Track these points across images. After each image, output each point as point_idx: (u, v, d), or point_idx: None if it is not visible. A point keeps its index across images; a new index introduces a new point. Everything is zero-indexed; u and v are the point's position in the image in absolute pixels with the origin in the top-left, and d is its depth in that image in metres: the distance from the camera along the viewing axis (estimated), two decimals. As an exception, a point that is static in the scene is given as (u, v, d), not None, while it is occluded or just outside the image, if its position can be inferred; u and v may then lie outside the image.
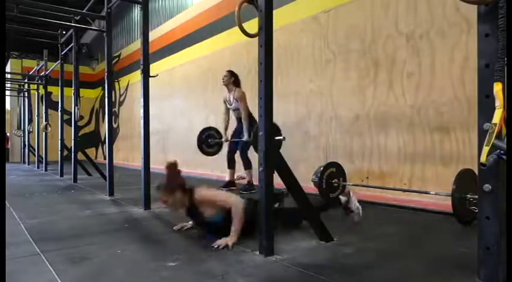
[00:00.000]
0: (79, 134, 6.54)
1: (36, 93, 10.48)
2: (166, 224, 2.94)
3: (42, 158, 9.01)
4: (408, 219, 3.03)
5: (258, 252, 2.06)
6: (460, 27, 3.43)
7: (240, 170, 4.99)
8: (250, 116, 4.62)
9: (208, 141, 5.03)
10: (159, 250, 2.19)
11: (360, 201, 2.86)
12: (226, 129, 4.91)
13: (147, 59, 3.57)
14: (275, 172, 2.12)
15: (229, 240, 2.20)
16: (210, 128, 5.18)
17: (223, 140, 4.96)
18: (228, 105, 4.88)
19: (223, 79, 4.84)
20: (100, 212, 3.43)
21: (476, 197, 1.62)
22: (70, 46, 6.50)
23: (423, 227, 2.79)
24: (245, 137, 4.56)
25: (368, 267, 1.87)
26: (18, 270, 1.81)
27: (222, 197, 2.41)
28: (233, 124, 5.00)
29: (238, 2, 2.14)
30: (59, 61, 7.22)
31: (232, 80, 4.79)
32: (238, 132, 4.80)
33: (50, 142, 8.91)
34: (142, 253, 2.15)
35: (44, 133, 8.54)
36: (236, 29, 2.19)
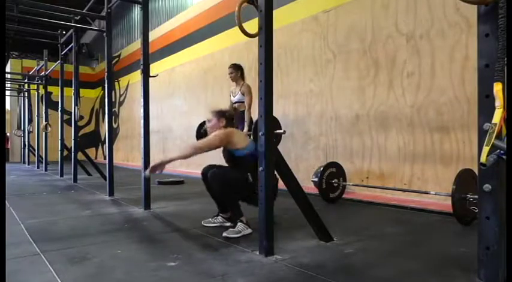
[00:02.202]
0: (79, 134, 6.53)
1: (36, 93, 10.48)
2: (166, 224, 2.94)
3: (42, 158, 9.01)
4: (408, 219, 3.03)
5: (258, 252, 2.06)
6: (460, 27, 3.43)
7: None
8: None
9: (206, 135, 5.02)
10: (159, 250, 2.19)
11: (360, 201, 2.85)
12: None
13: (147, 59, 3.57)
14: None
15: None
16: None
17: None
18: (231, 97, 4.86)
19: (230, 76, 4.81)
20: (100, 212, 3.43)
21: (476, 197, 1.62)
22: (70, 46, 6.50)
23: (423, 227, 2.78)
24: (245, 130, 4.56)
25: (368, 267, 1.87)
26: (18, 270, 1.81)
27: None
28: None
29: (238, 2, 2.14)
30: (59, 61, 7.22)
31: (239, 74, 4.77)
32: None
33: (50, 142, 8.91)
34: (142, 253, 2.15)
35: (44, 133, 8.54)
36: (236, 29, 2.19)
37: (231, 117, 2.83)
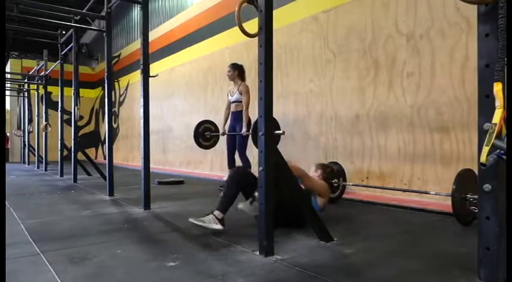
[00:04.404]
0: (79, 134, 6.53)
1: (36, 93, 10.48)
2: (166, 224, 2.94)
3: (42, 158, 9.01)
4: (408, 219, 3.03)
5: (258, 252, 2.06)
6: (460, 27, 3.43)
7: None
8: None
9: (204, 134, 5.04)
10: (159, 250, 2.19)
11: (360, 201, 2.85)
12: (225, 122, 4.91)
13: (147, 59, 3.57)
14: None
15: None
16: (206, 121, 5.19)
17: (220, 133, 4.96)
18: (229, 97, 4.87)
19: (227, 74, 4.83)
20: (100, 212, 3.43)
21: (476, 197, 1.62)
22: (70, 46, 6.50)
23: (423, 227, 2.78)
24: (244, 130, 4.56)
25: (368, 267, 1.87)
26: (18, 270, 1.81)
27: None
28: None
29: (238, 2, 2.14)
30: (59, 61, 7.21)
31: (236, 73, 4.78)
32: (233, 128, 4.79)
33: (50, 142, 8.91)
34: (142, 253, 2.15)
35: (44, 133, 8.54)
36: (236, 29, 2.19)
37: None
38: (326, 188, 2.86)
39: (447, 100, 3.52)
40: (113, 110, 12.42)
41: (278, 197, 2.60)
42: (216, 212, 2.50)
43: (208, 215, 2.50)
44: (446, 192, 2.87)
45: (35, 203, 4.07)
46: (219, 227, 2.45)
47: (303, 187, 2.66)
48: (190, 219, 2.48)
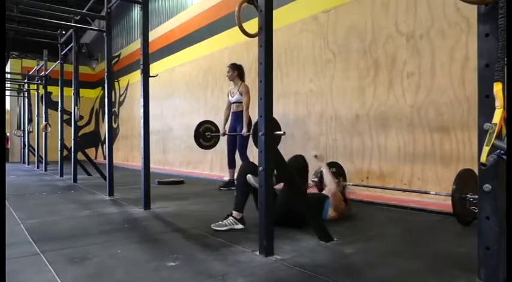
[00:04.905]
0: (79, 134, 6.53)
1: (36, 93, 10.47)
2: (166, 224, 2.94)
3: (42, 158, 9.01)
4: (408, 219, 3.03)
5: (258, 252, 2.06)
6: (460, 27, 3.43)
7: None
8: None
9: (205, 134, 5.04)
10: (159, 250, 2.19)
11: (360, 201, 2.86)
12: (225, 123, 4.91)
13: (147, 59, 3.57)
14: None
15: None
16: (206, 121, 5.18)
17: (220, 133, 4.96)
18: (229, 97, 4.87)
19: (227, 75, 4.84)
20: (100, 212, 3.42)
21: (476, 197, 1.62)
22: (70, 46, 6.49)
23: (423, 227, 2.78)
24: (244, 130, 4.56)
25: (368, 267, 1.87)
26: (18, 270, 1.81)
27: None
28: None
29: (238, 2, 2.13)
30: (58, 61, 7.21)
31: (236, 73, 4.78)
32: (233, 129, 4.79)
33: (49, 142, 8.90)
34: (142, 253, 2.15)
35: (43, 133, 8.53)
36: (236, 29, 2.19)
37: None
38: (343, 205, 3.00)
39: (447, 100, 3.52)
40: (113, 110, 12.42)
41: (279, 197, 2.63)
42: (235, 213, 2.66)
43: (228, 216, 2.66)
44: (446, 192, 2.87)
45: (35, 203, 4.06)
46: (240, 226, 2.63)
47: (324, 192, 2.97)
48: (212, 226, 2.61)
